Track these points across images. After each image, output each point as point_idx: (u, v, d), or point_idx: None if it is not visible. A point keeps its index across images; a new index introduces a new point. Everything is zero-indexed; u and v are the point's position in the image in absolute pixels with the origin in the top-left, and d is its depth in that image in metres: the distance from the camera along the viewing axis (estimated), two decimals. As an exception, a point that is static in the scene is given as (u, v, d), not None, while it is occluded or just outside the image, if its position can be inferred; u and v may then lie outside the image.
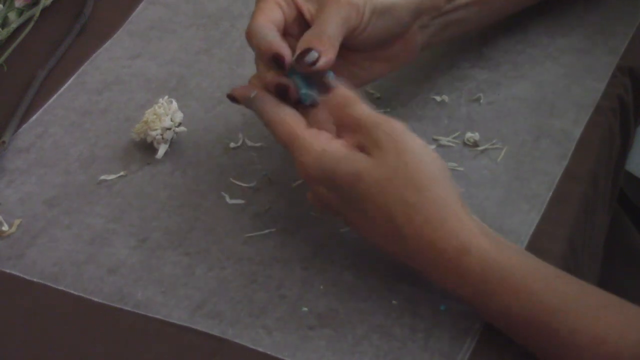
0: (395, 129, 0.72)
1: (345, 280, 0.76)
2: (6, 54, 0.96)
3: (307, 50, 0.74)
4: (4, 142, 0.88)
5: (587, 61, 0.92)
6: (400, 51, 0.82)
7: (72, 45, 0.97)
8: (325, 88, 0.76)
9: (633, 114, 0.92)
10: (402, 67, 0.84)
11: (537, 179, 0.82)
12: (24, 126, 0.90)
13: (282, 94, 0.75)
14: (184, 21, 0.99)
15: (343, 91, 0.75)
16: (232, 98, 0.78)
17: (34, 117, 0.91)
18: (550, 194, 0.81)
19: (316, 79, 0.76)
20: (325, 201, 0.74)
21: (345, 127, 0.74)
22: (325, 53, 0.74)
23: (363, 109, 0.74)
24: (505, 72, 0.91)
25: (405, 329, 0.73)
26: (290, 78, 0.76)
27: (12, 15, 0.99)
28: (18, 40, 0.97)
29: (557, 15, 0.96)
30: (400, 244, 0.71)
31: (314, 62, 0.74)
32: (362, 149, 0.73)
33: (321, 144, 0.73)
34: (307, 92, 0.75)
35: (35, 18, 0.99)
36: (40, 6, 1.00)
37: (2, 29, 0.97)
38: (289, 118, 0.75)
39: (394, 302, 0.74)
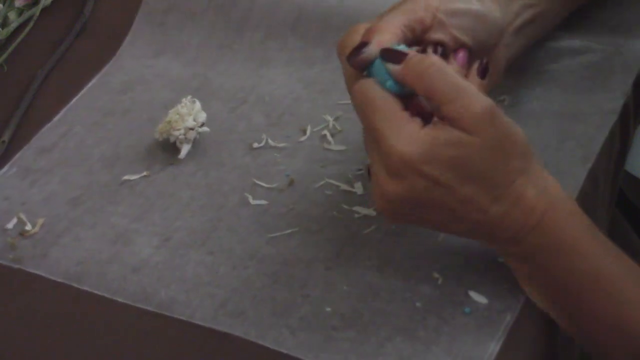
0: (491, 104, 0.69)
1: (368, 282, 0.76)
2: (6, 54, 0.96)
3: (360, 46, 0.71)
4: (4, 141, 0.88)
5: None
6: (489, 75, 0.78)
7: (72, 46, 0.98)
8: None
9: (633, 115, 0.92)
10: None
11: (562, 182, 0.82)
12: (48, 125, 0.90)
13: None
14: (201, 2, 0.97)
15: (421, 56, 0.70)
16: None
17: (57, 117, 0.91)
18: (576, 194, 0.81)
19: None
20: (423, 187, 0.69)
21: (432, 92, 0.69)
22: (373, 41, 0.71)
23: (454, 75, 0.69)
24: (527, 72, 0.90)
25: (429, 331, 0.73)
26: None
27: (12, 15, 0.99)
28: (18, 40, 0.97)
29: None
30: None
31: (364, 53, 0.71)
32: (452, 120, 0.68)
33: (418, 125, 0.69)
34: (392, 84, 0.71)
35: (35, 18, 0.99)
36: (40, 6, 1.00)
37: (2, 28, 0.98)
38: (382, 101, 0.70)
39: (417, 304, 0.74)
